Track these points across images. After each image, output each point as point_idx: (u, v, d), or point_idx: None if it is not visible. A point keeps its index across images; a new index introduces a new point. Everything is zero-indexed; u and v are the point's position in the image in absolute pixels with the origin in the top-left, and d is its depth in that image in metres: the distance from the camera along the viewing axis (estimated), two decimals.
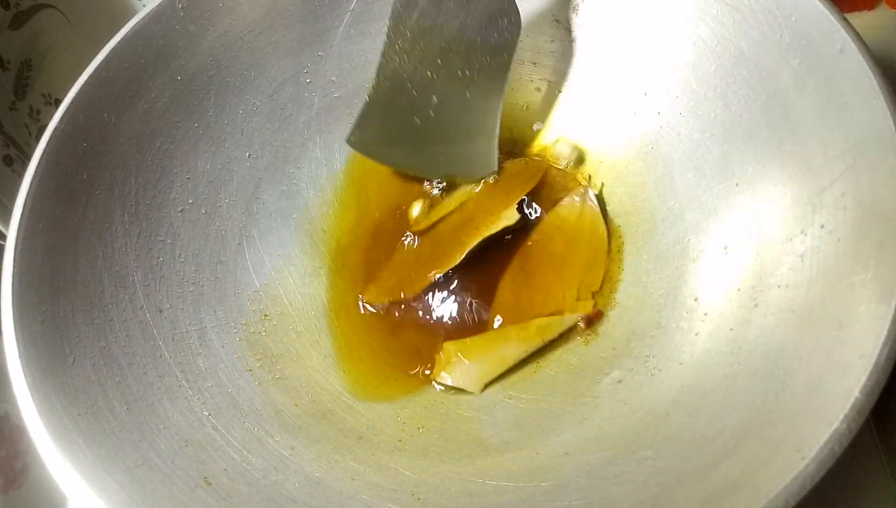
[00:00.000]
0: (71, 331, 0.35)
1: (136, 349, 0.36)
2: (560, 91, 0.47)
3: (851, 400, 0.25)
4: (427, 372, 0.42)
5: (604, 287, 0.42)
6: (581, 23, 0.45)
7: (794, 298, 0.32)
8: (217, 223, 0.43)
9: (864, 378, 0.25)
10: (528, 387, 0.40)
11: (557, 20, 0.45)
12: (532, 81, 0.48)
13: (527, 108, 0.48)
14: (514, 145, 0.48)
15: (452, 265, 0.42)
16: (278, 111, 0.46)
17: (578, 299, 0.41)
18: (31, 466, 0.43)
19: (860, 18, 0.49)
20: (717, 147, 0.39)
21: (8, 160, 0.46)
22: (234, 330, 0.41)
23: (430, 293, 0.44)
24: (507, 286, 0.43)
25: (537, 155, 0.47)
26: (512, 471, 0.35)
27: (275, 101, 0.46)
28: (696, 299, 0.38)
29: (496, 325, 0.42)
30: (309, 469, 0.35)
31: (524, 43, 0.47)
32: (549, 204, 0.44)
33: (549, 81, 0.47)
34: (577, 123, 0.47)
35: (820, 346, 0.29)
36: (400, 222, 0.47)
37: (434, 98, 0.43)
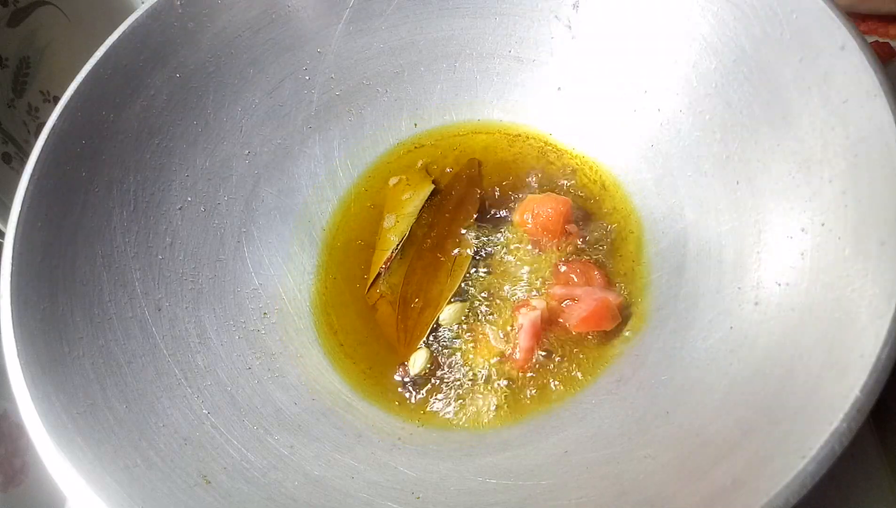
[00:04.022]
0: (69, 329, 0.34)
1: (135, 348, 0.36)
2: (559, 88, 0.47)
3: (852, 399, 0.25)
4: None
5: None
6: (581, 19, 0.45)
7: (795, 296, 0.31)
8: (216, 221, 0.43)
9: (864, 377, 0.25)
10: (528, 388, 0.40)
11: (557, 17, 0.45)
12: (531, 78, 0.48)
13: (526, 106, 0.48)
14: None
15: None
16: (277, 109, 0.46)
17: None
18: (31, 464, 0.43)
19: None
20: (717, 145, 0.39)
21: (7, 158, 0.46)
22: (233, 328, 0.41)
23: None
24: None
25: None
26: (512, 469, 0.35)
27: (273, 98, 0.46)
28: (695, 298, 0.38)
29: None
30: (308, 468, 0.35)
31: (524, 40, 0.47)
32: None
33: (548, 79, 0.47)
34: (576, 121, 0.47)
35: (820, 344, 0.29)
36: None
37: None
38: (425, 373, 0.41)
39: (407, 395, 0.40)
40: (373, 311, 0.44)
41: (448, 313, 0.42)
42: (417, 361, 0.41)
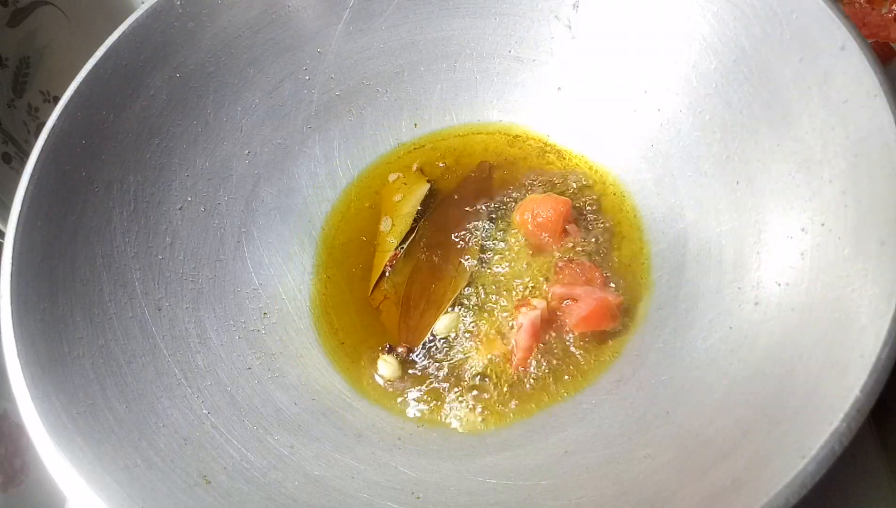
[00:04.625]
0: (70, 329, 0.34)
1: (135, 348, 0.36)
2: (559, 88, 0.47)
3: (851, 399, 0.25)
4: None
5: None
6: (581, 19, 0.45)
7: (795, 296, 0.32)
8: (216, 221, 0.43)
9: (864, 377, 0.25)
10: (528, 388, 0.40)
11: (557, 17, 0.45)
12: (531, 78, 0.48)
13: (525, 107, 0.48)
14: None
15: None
16: (277, 109, 0.46)
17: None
18: (31, 464, 0.43)
19: None
20: (717, 145, 0.39)
21: (7, 158, 0.46)
22: (233, 328, 0.41)
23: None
24: None
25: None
26: (512, 469, 0.35)
27: (273, 98, 0.46)
28: (695, 298, 0.38)
29: None
30: (309, 468, 0.35)
31: (524, 40, 0.47)
32: None
33: (548, 79, 0.47)
34: (576, 121, 0.47)
35: (820, 344, 0.29)
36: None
37: None
38: (398, 378, 0.41)
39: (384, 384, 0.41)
40: (377, 313, 0.44)
41: (443, 324, 0.42)
42: (386, 368, 0.41)
